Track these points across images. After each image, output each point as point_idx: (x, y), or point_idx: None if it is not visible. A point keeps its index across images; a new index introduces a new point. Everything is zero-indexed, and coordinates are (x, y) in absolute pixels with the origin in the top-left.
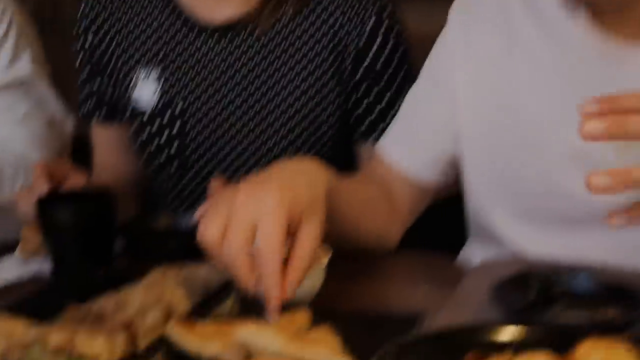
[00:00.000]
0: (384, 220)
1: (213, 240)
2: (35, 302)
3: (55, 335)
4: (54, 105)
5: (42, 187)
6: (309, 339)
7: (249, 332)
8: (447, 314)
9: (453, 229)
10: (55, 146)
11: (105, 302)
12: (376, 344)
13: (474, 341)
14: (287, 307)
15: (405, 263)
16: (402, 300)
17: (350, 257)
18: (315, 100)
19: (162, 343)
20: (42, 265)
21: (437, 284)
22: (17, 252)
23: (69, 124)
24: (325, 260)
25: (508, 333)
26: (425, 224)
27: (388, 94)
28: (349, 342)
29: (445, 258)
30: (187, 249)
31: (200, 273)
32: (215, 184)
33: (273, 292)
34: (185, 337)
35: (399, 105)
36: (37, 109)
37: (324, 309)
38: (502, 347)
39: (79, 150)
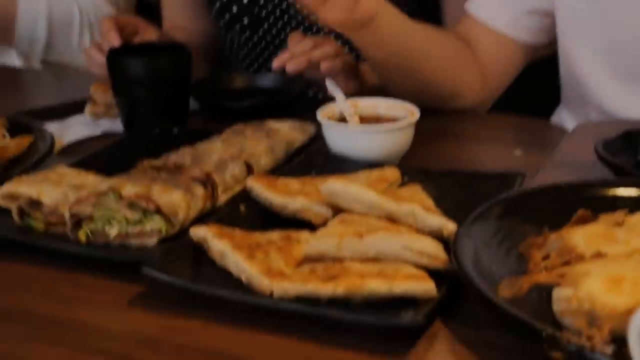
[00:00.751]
0: (466, 79)
1: None
2: (107, 157)
3: (130, 187)
4: None
5: (114, 40)
6: (400, 195)
7: (338, 186)
8: (547, 174)
9: (542, 95)
10: (125, 0)
11: (182, 156)
12: (471, 202)
13: (584, 198)
14: (377, 165)
15: (497, 124)
16: (496, 161)
17: (439, 117)
18: None
19: (243, 198)
20: (113, 125)
21: (532, 145)
22: (87, 112)
23: None
24: (414, 118)
25: (620, 191)
26: (513, 89)
27: None
28: (442, 200)
29: (539, 121)
30: (265, 106)
31: (283, 129)
32: (294, 34)
33: None
34: (267, 193)
35: None
36: None
37: (414, 168)
38: (613, 205)
39: (143, 12)
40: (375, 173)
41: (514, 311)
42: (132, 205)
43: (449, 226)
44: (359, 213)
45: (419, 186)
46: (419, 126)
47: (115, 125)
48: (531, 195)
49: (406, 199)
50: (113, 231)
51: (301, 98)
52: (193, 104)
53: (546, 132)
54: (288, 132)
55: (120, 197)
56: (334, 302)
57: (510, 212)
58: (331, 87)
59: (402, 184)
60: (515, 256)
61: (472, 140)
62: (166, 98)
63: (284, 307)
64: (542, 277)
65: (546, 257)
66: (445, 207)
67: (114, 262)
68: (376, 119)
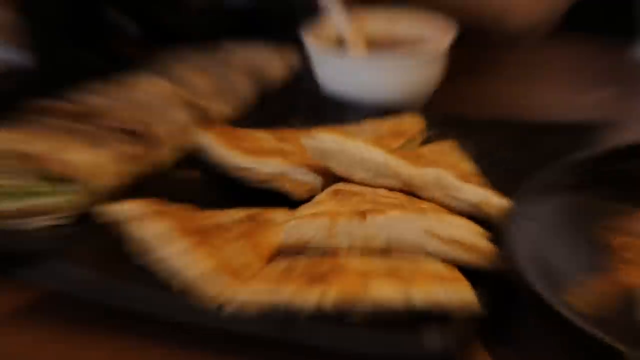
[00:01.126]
0: None
1: None
2: (7, 98)
3: (27, 144)
4: None
5: None
6: (423, 156)
7: (331, 140)
8: (635, 125)
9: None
10: None
11: (105, 98)
12: (528, 166)
13: None
14: (390, 111)
15: (564, 54)
16: (564, 107)
17: (480, 44)
18: None
19: (192, 159)
20: (15, 56)
21: (617, 84)
22: None
23: None
24: (446, 41)
25: None
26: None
27: None
28: (484, 163)
29: (615, 48)
30: (228, 26)
31: (252, 58)
32: None
33: None
34: (228, 151)
35: None
36: None
37: (445, 115)
38: None
39: None
40: (387, 124)
41: (596, 332)
42: (26, 167)
43: (495, 201)
44: (362, 182)
45: (451, 143)
46: (453, 55)
47: (20, 56)
48: (617, 156)
49: (432, 161)
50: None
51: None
52: (133, 25)
53: (637, 66)
54: (259, 62)
55: (11, 158)
56: (321, 316)
57: (585, 182)
58: None
59: (427, 139)
60: (594, 246)
61: (529, 76)
62: (83, 14)
63: (241, 328)
64: (635, 277)
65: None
66: (490, 173)
67: None
68: (391, 43)
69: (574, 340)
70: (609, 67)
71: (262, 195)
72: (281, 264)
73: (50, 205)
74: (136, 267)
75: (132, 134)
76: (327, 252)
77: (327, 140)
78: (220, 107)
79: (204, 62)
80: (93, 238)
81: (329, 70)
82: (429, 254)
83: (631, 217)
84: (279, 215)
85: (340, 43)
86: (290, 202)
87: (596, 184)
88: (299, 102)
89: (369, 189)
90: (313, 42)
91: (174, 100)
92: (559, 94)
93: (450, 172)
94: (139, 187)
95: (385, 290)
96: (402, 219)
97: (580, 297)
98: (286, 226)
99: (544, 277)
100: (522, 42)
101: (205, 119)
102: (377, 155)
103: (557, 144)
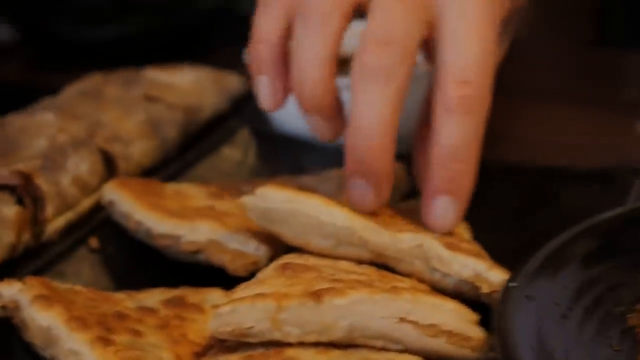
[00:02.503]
0: None
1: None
2: None
3: None
4: None
5: None
6: (400, 217)
7: (277, 197)
8: None
9: None
10: None
11: None
12: (538, 227)
13: None
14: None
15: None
16: (591, 145)
17: None
18: None
19: (96, 223)
20: None
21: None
22: None
23: None
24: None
25: None
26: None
27: None
28: (482, 224)
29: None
30: (146, 39)
31: (178, 85)
32: None
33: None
34: (143, 211)
35: None
36: None
37: None
38: None
39: None
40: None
41: None
42: None
43: (492, 277)
44: (319, 253)
45: None
46: None
47: None
48: None
49: (413, 223)
50: None
51: (218, 21)
52: (5, 33)
53: None
54: (188, 90)
55: None
56: None
57: (613, 250)
58: None
59: (410, 193)
60: (620, 335)
61: (544, 101)
62: None
63: None
64: None
65: None
66: (488, 238)
67: None
68: None
69: None
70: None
71: (189, 271)
72: None
73: None
74: None
75: (13, 191)
76: (271, 346)
77: (273, 199)
78: (136, 152)
79: (117, 94)
80: None
81: None
82: (403, 347)
83: None
84: (210, 297)
85: None
86: (225, 279)
87: (630, 252)
88: (241, 144)
89: (328, 262)
90: None
91: (75, 144)
92: (586, 125)
93: (436, 238)
94: (18, 262)
95: None
96: (370, 302)
97: None
98: (219, 312)
99: None
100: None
101: (115, 169)
102: (339, 217)
103: (579, 198)
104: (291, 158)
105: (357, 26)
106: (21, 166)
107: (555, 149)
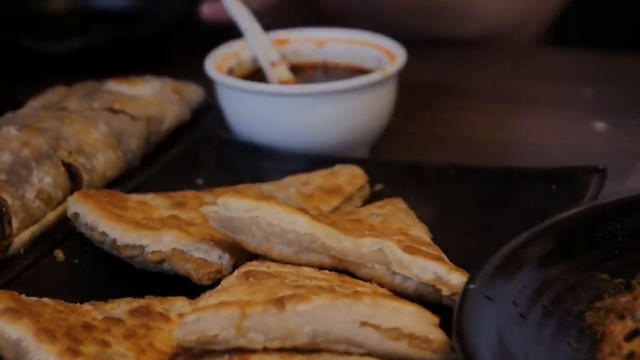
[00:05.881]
0: None
1: None
2: None
3: None
4: None
5: None
6: (362, 221)
7: (239, 206)
8: None
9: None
10: None
11: None
12: (498, 229)
13: None
14: (322, 161)
15: (554, 69)
16: (551, 145)
17: (441, 62)
18: None
19: (61, 235)
20: None
21: (622, 114)
22: None
23: None
24: (394, 66)
25: None
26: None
27: None
28: (442, 226)
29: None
30: (109, 50)
31: (141, 96)
32: None
33: None
34: (108, 222)
35: None
36: None
37: (394, 164)
38: None
39: None
40: (318, 179)
41: None
42: None
43: (452, 279)
44: (281, 260)
45: (399, 202)
46: (406, 80)
47: None
48: (616, 213)
49: (374, 228)
50: None
51: (179, 31)
52: None
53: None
54: (151, 101)
55: None
56: None
57: (571, 249)
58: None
59: (372, 195)
60: (579, 333)
61: (507, 103)
62: None
63: None
64: None
65: (635, 335)
66: (448, 241)
67: None
68: (323, 70)
69: None
70: (619, 84)
71: (155, 280)
72: None
73: None
74: None
75: None
76: (235, 354)
77: (235, 207)
78: (99, 164)
79: (80, 107)
80: None
81: (241, 108)
82: (366, 351)
83: (634, 295)
84: (175, 306)
85: (255, 72)
86: (191, 287)
87: (588, 251)
88: (203, 154)
89: (291, 269)
90: (219, 70)
91: (39, 158)
92: (549, 125)
93: (396, 242)
94: None
95: None
96: (332, 307)
97: None
98: (184, 320)
99: None
100: (503, 46)
101: (79, 181)
102: (300, 223)
103: (536, 198)
104: (251, 165)
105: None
106: None
107: (513, 150)
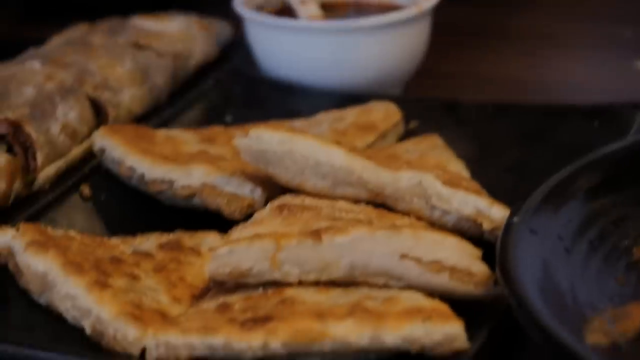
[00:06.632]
0: None
1: None
2: None
3: None
4: None
5: None
6: (399, 156)
7: (272, 139)
8: None
9: None
10: None
11: None
12: (540, 164)
13: None
14: (355, 98)
15: (595, 11)
16: (592, 82)
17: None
18: None
19: (88, 170)
20: None
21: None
22: None
23: None
24: (429, 2)
25: None
26: None
27: None
28: (482, 162)
29: None
30: None
31: (167, 33)
32: None
33: None
34: (135, 157)
35: None
36: None
37: (430, 101)
38: None
39: None
40: (351, 115)
41: None
42: None
43: (493, 213)
44: (316, 194)
45: (436, 138)
46: (441, 20)
47: None
48: None
49: (411, 162)
50: None
51: None
52: None
53: None
54: (177, 37)
55: None
56: None
57: (617, 183)
58: None
59: (407, 133)
60: (626, 269)
61: (543, 45)
62: None
63: None
64: None
65: None
66: (487, 175)
67: None
68: (355, 8)
69: None
70: None
71: (185, 216)
72: (211, 304)
73: None
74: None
75: (3, 139)
76: (270, 286)
77: (268, 140)
78: (125, 99)
79: (105, 42)
80: None
81: (270, 45)
82: (408, 284)
83: None
84: (206, 240)
85: (284, 8)
86: (221, 222)
87: (625, 185)
88: (231, 90)
89: (326, 202)
90: (248, 6)
91: (63, 92)
92: (588, 64)
93: (435, 175)
94: (10, 211)
95: (348, 331)
96: (371, 239)
97: (601, 332)
98: (217, 254)
99: (554, 308)
100: None
101: (105, 116)
102: (336, 156)
103: (577, 135)
104: (280, 103)
105: None
106: (9, 114)
107: (553, 88)
